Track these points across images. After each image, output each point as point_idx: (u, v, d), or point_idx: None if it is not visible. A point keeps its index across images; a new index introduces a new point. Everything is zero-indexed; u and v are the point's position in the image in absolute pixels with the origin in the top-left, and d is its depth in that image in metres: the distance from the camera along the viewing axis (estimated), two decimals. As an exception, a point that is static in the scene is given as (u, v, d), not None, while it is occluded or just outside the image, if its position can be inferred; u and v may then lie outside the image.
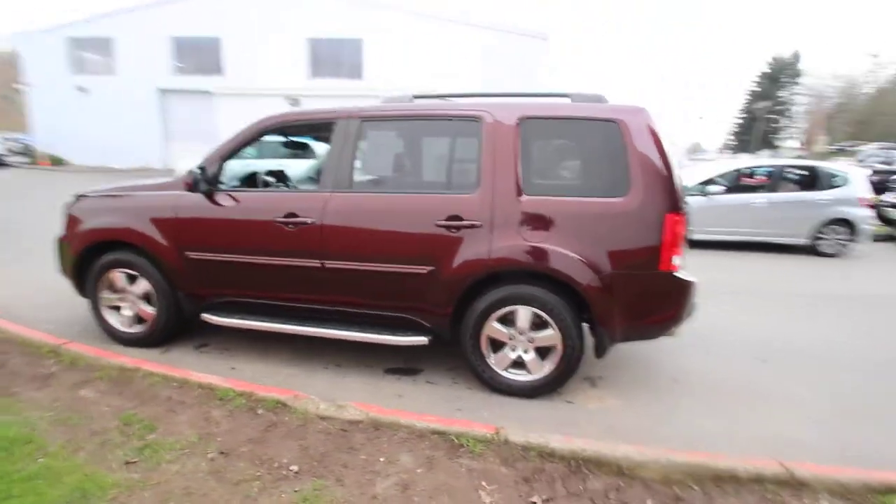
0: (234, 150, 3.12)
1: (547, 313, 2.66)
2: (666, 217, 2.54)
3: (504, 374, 2.82)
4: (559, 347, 2.70)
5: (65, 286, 4.48)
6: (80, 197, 3.41)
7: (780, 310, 4.76)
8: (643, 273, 2.60)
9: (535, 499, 1.91)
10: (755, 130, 42.50)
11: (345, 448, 2.18)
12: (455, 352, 3.26)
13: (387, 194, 2.83)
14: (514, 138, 2.67)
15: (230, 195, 3.04)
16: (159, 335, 3.27)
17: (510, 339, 2.77)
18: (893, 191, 8.84)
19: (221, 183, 3.14)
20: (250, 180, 3.61)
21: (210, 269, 3.06)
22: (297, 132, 3.86)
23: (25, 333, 3.23)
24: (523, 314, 2.70)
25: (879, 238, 8.62)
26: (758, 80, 55.89)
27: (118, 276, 3.25)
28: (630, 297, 2.61)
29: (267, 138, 3.28)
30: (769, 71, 54.54)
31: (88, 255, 3.27)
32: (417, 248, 2.75)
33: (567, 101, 2.82)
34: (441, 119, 2.82)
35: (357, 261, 2.82)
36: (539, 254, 2.60)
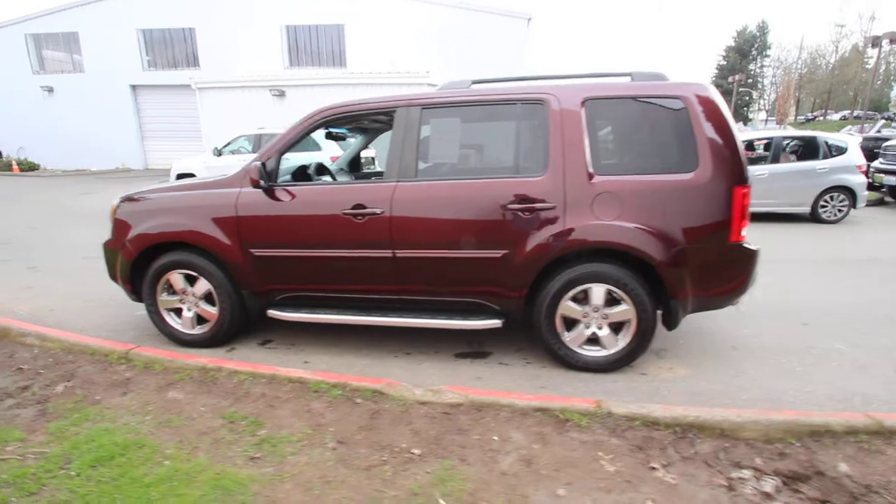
0: (290, 144, 3.08)
1: (621, 289, 2.74)
2: (734, 190, 2.64)
3: (579, 350, 2.90)
4: (634, 322, 2.79)
5: (90, 292, 4.42)
6: (126, 200, 3.33)
7: (804, 275, 4.98)
8: (714, 245, 2.70)
9: (654, 464, 2.01)
10: (727, 104, 43.39)
11: (454, 430, 2.24)
12: (520, 333, 3.35)
13: (454, 181, 2.85)
14: (580, 119, 2.72)
15: (290, 190, 3.01)
16: (223, 334, 3.25)
17: (584, 316, 2.86)
18: (883, 157, 9.22)
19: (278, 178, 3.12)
20: (297, 174, 3.57)
21: (276, 265, 3.05)
22: (353, 122, 3.81)
23: (88, 341, 3.16)
24: (597, 292, 2.78)
25: (871, 203, 9.02)
26: (724, 53, 56.78)
27: (177, 277, 3.20)
28: (701, 269, 2.71)
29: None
30: (734, 45, 55.45)
31: (142, 259, 3.21)
32: (490, 233, 2.79)
33: (627, 80, 2.87)
34: (505, 103, 2.84)
35: (429, 249, 2.85)
36: (613, 232, 2.67)
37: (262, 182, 2.92)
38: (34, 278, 5.05)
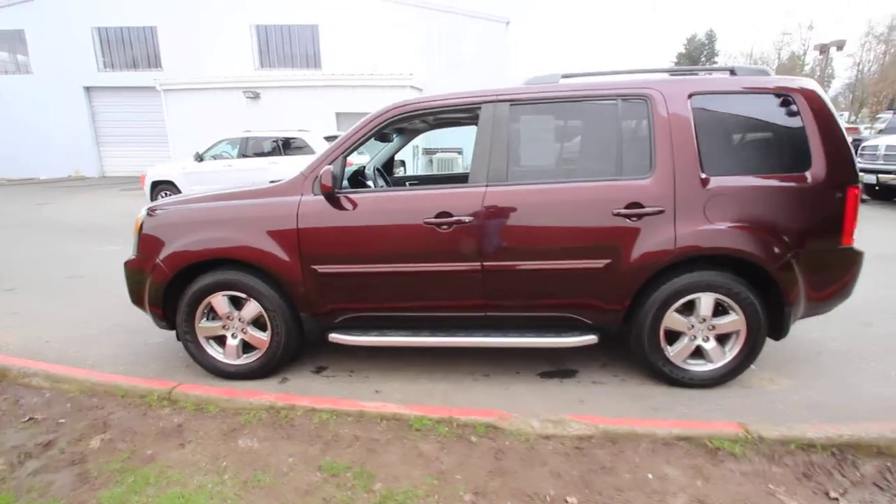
0: (356, 146, 2.72)
1: (732, 298, 2.55)
2: (848, 190, 2.50)
3: (684, 365, 2.69)
4: (743, 332, 2.61)
5: (88, 318, 3.88)
6: (154, 211, 2.86)
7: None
8: (828, 248, 2.56)
9: (833, 494, 1.80)
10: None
11: (597, 468, 1.96)
12: (600, 347, 3.11)
13: (550, 185, 2.58)
14: (688, 115, 2.51)
15: (360, 198, 2.66)
16: (276, 363, 2.84)
17: (689, 328, 2.65)
18: (861, 157, 9.65)
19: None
20: (354, 180, 3.21)
21: (343, 283, 2.68)
22: (429, 120, 3.46)
23: (116, 380, 2.68)
24: (706, 302, 2.58)
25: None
26: (676, 60, 59.39)
27: (221, 300, 2.77)
28: (815, 273, 2.56)
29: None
30: (685, 51, 58.07)
31: (178, 281, 2.76)
32: (592, 240, 2.54)
33: (726, 74, 2.70)
34: (603, 99, 2.59)
35: (522, 260, 2.57)
36: (728, 237, 2.48)
37: (335, 188, 2.54)
38: (16, 302, 4.38)
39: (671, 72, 2.73)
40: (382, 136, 3.72)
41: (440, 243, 2.58)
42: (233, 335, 2.84)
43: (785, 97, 2.52)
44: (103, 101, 19.94)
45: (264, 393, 2.53)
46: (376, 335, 2.76)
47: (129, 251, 2.95)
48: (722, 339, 2.68)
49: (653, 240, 2.50)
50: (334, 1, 18.32)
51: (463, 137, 12.33)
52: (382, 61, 17.71)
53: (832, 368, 2.93)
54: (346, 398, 2.50)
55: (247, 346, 2.86)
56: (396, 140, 4.01)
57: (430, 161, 14.06)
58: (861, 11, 54.19)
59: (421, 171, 13.10)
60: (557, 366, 3.01)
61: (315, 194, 2.65)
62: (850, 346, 3.24)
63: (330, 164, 2.63)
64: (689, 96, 2.53)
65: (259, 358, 2.83)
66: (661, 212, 2.49)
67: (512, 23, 19.07)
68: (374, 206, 2.65)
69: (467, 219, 2.54)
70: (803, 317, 2.71)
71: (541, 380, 2.85)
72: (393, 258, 2.63)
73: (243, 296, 2.75)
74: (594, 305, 2.63)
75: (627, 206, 2.49)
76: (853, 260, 2.62)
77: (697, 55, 57.40)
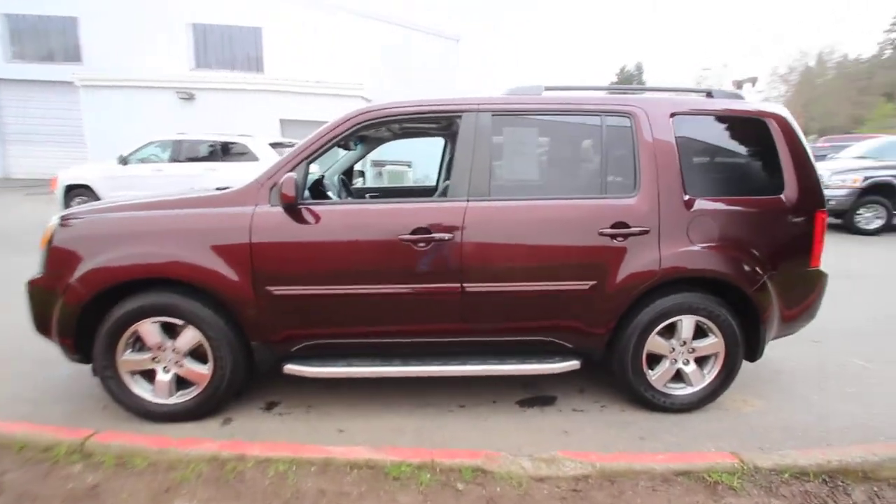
0: (320, 151, 2.42)
1: (712, 320, 2.51)
2: (817, 214, 2.57)
3: (665, 390, 2.61)
4: (722, 354, 2.57)
5: None
6: (68, 220, 2.38)
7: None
8: (799, 270, 2.60)
9: (834, 528, 1.74)
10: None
11: (599, 514, 1.77)
12: (574, 372, 2.98)
13: (536, 202, 2.42)
14: (670, 135, 2.47)
15: (325, 211, 2.36)
16: (218, 400, 2.43)
17: (671, 351, 2.58)
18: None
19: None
20: (313, 191, 2.88)
21: (304, 306, 2.35)
22: (396, 129, 3.17)
23: (13, 430, 2.14)
24: (687, 324, 2.52)
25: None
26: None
27: (151, 328, 2.33)
28: (787, 294, 2.59)
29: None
30: (617, 80, 62.38)
31: (96, 304, 2.29)
32: (577, 261, 2.41)
33: (701, 97, 2.71)
34: (587, 114, 2.50)
35: (506, 281, 2.38)
36: (712, 259, 2.44)
37: (298, 199, 2.22)
38: None
39: (650, 90, 2.70)
40: (344, 144, 3.44)
41: (416, 262, 2.33)
42: (165, 369, 2.40)
43: (761, 122, 2.56)
44: (10, 95, 17.79)
45: (206, 440, 2.12)
46: (342, 365, 2.44)
47: (34, 267, 2.43)
48: (700, 361, 2.63)
49: (639, 260, 2.41)
50: (280, 4, 17.67)
51: (412, 150, 12.16)
52: (331, 70, 17.24)
53: (795, 388, 2.98)
54: (306, 443, 2.15)
55: (182, 382, 2.43)
56: (359, 149, 3.73)
57: (380, 174, 13.73)
58: (770, 52, 60.96)
59: (370, 184, 12.69)
60: (534, 392, 2.83)
61: (273, 205, 2.32)
62: (805, 364, 3.33)
63: (292, 170, 2.32)
64: (672, 115, 2.50)
65: (197, 395, 2.40)
66: (646, 232, 2.41)
67: (462, 40, 19.39)
68: (342, 220, 2.35)
69: (447, 236, 2.32)
70: (774, 338, 2.73)
71: (520, 409, 2.66)
72: (363, 278, 2.34)
73: (179, 322, 2.33)
74: (578, 329, 2.49)
75: (613, 226, 2.39)
76: (820, 281, 2.69)
77: (629, 84, 61.84)
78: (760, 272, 2.49)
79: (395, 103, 2.46)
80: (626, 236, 2.40)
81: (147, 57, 17.36)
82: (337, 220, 2.35)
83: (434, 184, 4.17)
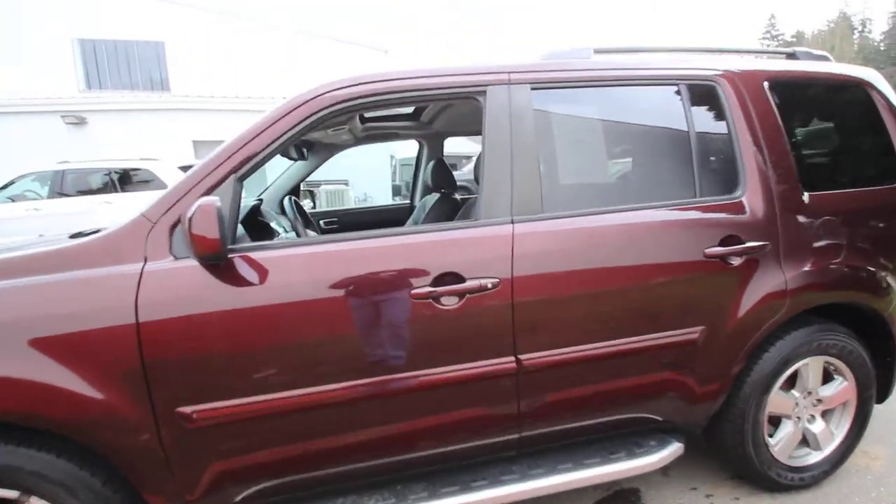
0: (257, 158, 1.42)
1: (843, 359, 1.83)
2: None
3: (791, 461, 1.87)
4: (854, 401, 1.89)
5: None
6: None
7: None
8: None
9: None
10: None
11: None
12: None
13: (609, 215, 1.59)
14: (772, 110, 1.76)
15: (277, 259, 1.36)
16: None
17: (794, 407, 1.85)
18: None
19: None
20: (249, 225, 1.85)
21: (252, 431, 1.33)
22: (382, 120, 2.20)
23: None
24: (814, 368, 1.82)
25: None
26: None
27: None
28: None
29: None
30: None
31: None
32: (682, 297, 1.62)
33: (782, 59, 2.05)
34: (661, 83, 1.72)
35: (581, 342, 1.53)
36: (849, 278, 1.77)
37: (224, 243, 1.21)
38: None
39: (723, 52, 2.00)
40: (296, 147, 2.42)
41: (442, 332, 1.41)
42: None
43: (862, 89, 1.93)
44: None
45: None
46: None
47: None
48: (826, 414, 1.93)
49: (760, 288, 1.66)
50: (184, 17, 15.88)
51: (347, 167, 10.98)
52: (247, 86, 15.67)
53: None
54: None
55: None
56: (308, 161, 2.72)
57: (312, 194, 12.28)
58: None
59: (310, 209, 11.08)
60: (610, 486, 1.98)
61: (178, 257, 1.29)
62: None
63: (208, 192, 1.31)
64: (768, 83, 1.79)
65: None
66: (764, 247, 1.67)
67: (391, 51, 18.63)
68: (309, 272, 1.37)
69: (490, 282, 1.42)
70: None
71: (601, 518, 1.80)
72: (353, 369, 1.37)
73: (10, 495, 1.22)
74: (682, 395, 1.68)
75: (723, 242, 1.62)
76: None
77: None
78: (891, 287, 1.85)
79: (380, 75, 1.52)
80: (741, 255, 1.64)
81: (23, 77, 14.77)
82: (299, 272, 1.36)
83: (408, 201, 3.25)
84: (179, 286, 1.27)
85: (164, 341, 1.24)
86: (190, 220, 1.17)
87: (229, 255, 1.30)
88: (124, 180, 7.16)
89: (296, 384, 1.33)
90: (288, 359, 1.33)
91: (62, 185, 7.03)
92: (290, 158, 2.48)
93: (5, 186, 7.07)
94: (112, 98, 14.09)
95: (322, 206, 11.53)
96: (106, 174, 7.20)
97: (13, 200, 7.02)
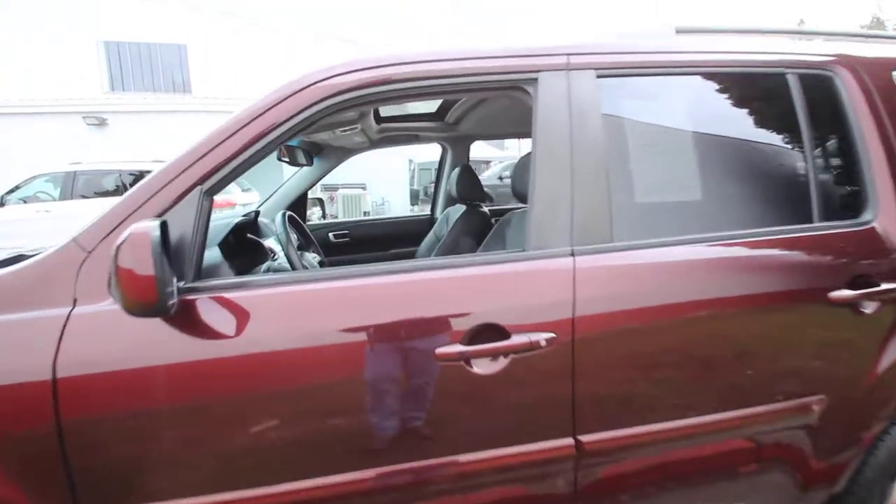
0: (236, 161, 1.07)
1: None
2: None
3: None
4: None
5: None
6: None
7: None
8: None
9: None
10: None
11: None
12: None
13: (700, 246, 1.19)
14: (905, 109, 1.35)
15: (257, 298, 1.00)
16: None
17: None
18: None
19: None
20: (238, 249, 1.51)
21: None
22: (390, 127, 1.87)
23: None
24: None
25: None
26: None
27: None
28: None
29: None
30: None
31: None
32: (798, 356, 1.21)
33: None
34: (766, 71, 1.32)
35: (661, 418, 1.14)
36: None
37: (161, 294, 0.84)
38: None
39: (831, 36, 1.59)
40: (292, 151, 2.06)
41: (479, 403, 1.04)
42: None
43: None
44: None
45: None
46: None
47: None
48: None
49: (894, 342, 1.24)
50: (206, 20, 15.94)
51: (363, 170, 10.60)
52: (269, 88, 15.62)
53: None
54: None
55: None
56: (318, 163, 2.38)
57: (332, 199, 11.97)
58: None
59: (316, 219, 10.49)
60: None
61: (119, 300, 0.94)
62: None
63: (164, 212, 0.96)
64: (899, 73, 1.38)
65: None
66: (903, 289, 1.25)
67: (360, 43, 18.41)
68: (298, 321, 1.00)
69: (544, 339, 1.03)
70: None
71: None
72: (361, 453, 1.01)
73: None
74: (790, 480, 1.27)
75: (850, 284, 1.21)
76: None
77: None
78: None
79: (406, 54, 1.15)
80: (873, 297, 1.22)
81: (50, 78, 14.99)
82: (283, 322, 1.00)
83: (428, 213, 2.89)
84: (119, 341, 0.92)
85: (92, 427, 0.89)
86: (116, 253, 0.82)
87: (191, 297, 0.95)
88: (137, 182, 6.99)
89: (279, 478, 0.97)
90: (269, 444, 0.97)
91: (72, 187, 6.89)
92: (294, 164, 2.13)
93: (16, 188, 6.97)
94: (134, 100, 14.20)
95: (339, 211, 11.28)
96: (118, 175, 7.05)
97: (25, 202, 6.92)
